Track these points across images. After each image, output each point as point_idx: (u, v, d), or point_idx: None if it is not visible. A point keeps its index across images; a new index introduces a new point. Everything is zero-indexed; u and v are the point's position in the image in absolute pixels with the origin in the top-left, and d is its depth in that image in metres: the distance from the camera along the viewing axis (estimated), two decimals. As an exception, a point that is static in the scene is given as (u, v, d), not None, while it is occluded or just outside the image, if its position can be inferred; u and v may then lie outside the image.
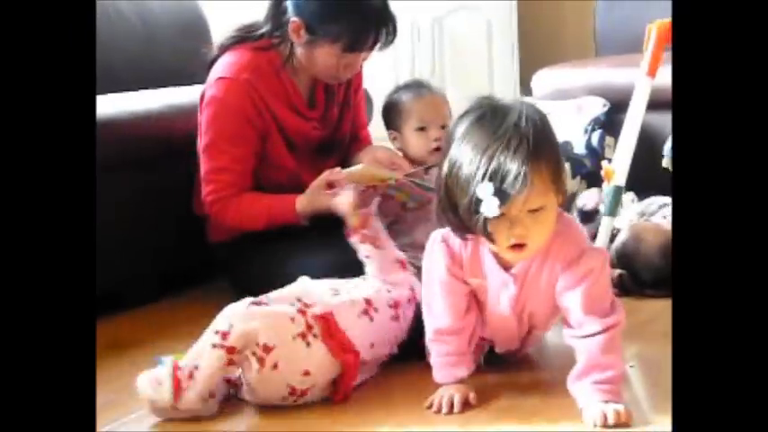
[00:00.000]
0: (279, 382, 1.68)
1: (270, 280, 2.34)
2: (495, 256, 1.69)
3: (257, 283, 2.39)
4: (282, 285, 2.29)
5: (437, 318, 1.75)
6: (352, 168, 2.33)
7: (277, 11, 2.37)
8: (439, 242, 1.74)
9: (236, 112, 2.34)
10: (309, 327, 1.71)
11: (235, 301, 2.42)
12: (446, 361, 1.75)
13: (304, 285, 1.90)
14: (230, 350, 1.64)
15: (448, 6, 4.35)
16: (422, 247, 2.37)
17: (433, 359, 1.77)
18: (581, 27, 4.38)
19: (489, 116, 1.58)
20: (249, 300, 1.80)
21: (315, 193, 2.31)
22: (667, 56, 2.36)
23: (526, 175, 1.51)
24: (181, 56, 3.10)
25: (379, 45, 2.34)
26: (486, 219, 1.54)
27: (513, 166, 1.51)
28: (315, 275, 2.23)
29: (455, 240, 1.71)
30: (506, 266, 1.71)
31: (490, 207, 1.51)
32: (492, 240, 1.60)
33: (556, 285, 1.69)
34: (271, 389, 1.69)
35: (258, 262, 2.39)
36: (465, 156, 1.56)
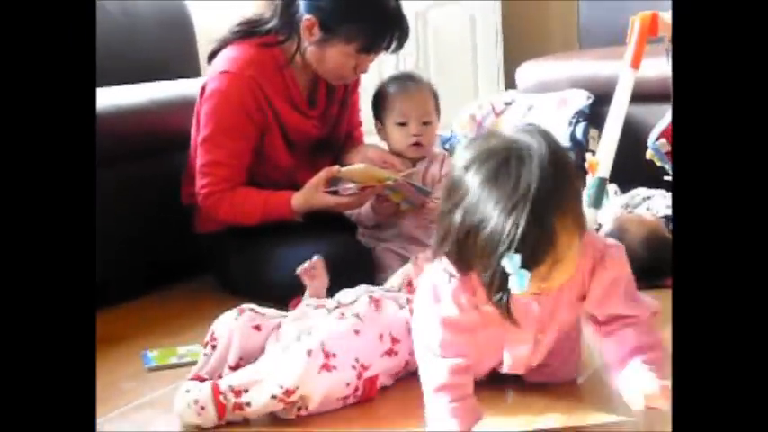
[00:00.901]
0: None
1: (253, 272, 2.36)
2: None
3: (241, 275, 2.41)
4: (266, 277, 2.31)
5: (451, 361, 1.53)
6: (352, 167, 2.32)
7: (287, 7, 2.35)
8: (449, 287, 1.51)
9: (237, 107, 2.33)
10: (356, 389, 1.70)
11: (220, 295, 2.44)
12: (459, 407, 1.50)
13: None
14: (287, 404, 1.63)
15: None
16: (409, 238, 2.40)
17: (442, 409, 1.51)
18: (564, 20, 4.39)
19: (506, 167, 1.37)
20: (240, 309, 1.80)
21: (312, 190, 2.31)
22: (650, 48, 2.38)
23: (554, 239, 1.35)
24: (163, 49, 3.09)
25: (392, 47, 2.34)
26: (505, 286, 1.36)
27: (538, 230, 1.33)
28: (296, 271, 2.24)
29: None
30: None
31: (520, 283, 1.33)
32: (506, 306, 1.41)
33: (585, 296, 1.55)
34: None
35: (243, 254, 2.39)
36: (487, 215, 1.36)
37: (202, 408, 1.63)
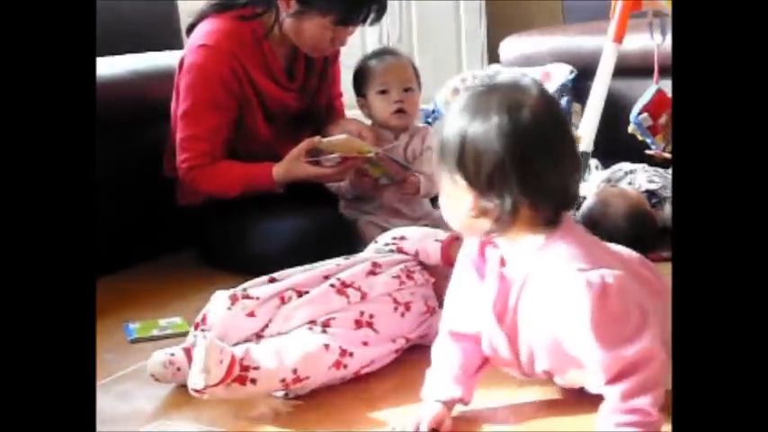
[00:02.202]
0: None
1: (236, 245, 2.35)
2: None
3: (223, 248, 2.40)
4: (248, 250, 2.31)
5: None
6: (333, 138, 2.32)
7: None
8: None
9: (216, 81, 2.32)
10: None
11: (203, 268, 2.44)
12: (449, 374, 1.49)
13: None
14: (287, 389, 1.62)
15: (415, -27, 4.33)
16: (391, 210, 2.41)
17: (436, 368, 1.51)
18: (548, -6, 4.38)
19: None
20: (232, 292, 1.75)
21: (293, 161, 2.31)
22: (633, 23, 2.39)
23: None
24: (145, 21, 3.07)
25: (369, 20, 2.33)
26: None
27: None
28: (282, 240, 2.23)
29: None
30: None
31: None
32: None
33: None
34: None
35: (225, 227, 2.39)
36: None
37: (221, 361, 1.55)
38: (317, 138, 2.32)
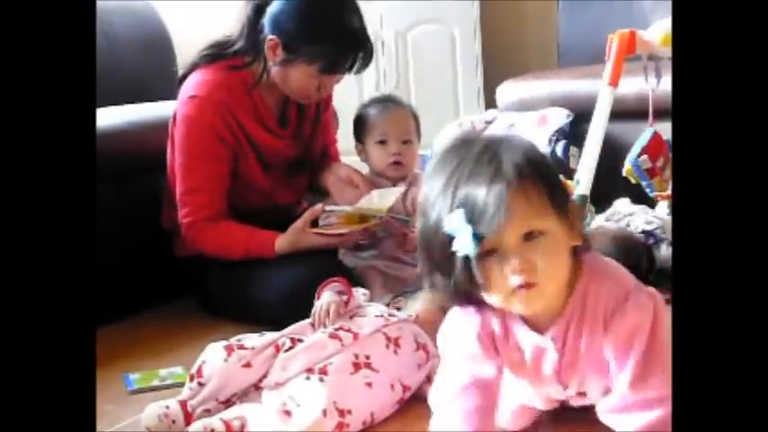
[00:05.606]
0: None
1: (235, 294, 2.34)
2: (527, 321, 1.36)
3: (223, 297, 2.39)
4: (247, 299, 2.30)
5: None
6: (341, 209, 2.31)
7: (252, 28, 2.35)
8: (468, 313, 1.37)
9: (208, 131, 2.32)
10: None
11: (203, 317, 2.43)
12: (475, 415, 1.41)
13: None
14: None
15: (411, 19, 4.37)
16: (389, 257, 2.39)
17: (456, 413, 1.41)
18: (544, 38, 4.41)
19: (457, 146, 1.28)
20: (226, 343, 1.77)
21: (297, 233, 2.29)
22: (628, 66, 2.40)
23: (503, 195, 1.19)
24: (143, 72, 3.09)
25: (355, 68, 2.33)
26: (467, 260, 1.20)
27: (483, 188, 1.20)
28: (282, 288, 2.22)
29: (487, 314, 1.37)
30: (541, 332, 1.36)
31: (464, 240, 1.18)
32: (488, 289, 1.25)
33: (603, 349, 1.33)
34: None
35: (224, 276, 2.38)
36: (431, 194, 1.25)
37: None
38: (319, 206, 2.31)
